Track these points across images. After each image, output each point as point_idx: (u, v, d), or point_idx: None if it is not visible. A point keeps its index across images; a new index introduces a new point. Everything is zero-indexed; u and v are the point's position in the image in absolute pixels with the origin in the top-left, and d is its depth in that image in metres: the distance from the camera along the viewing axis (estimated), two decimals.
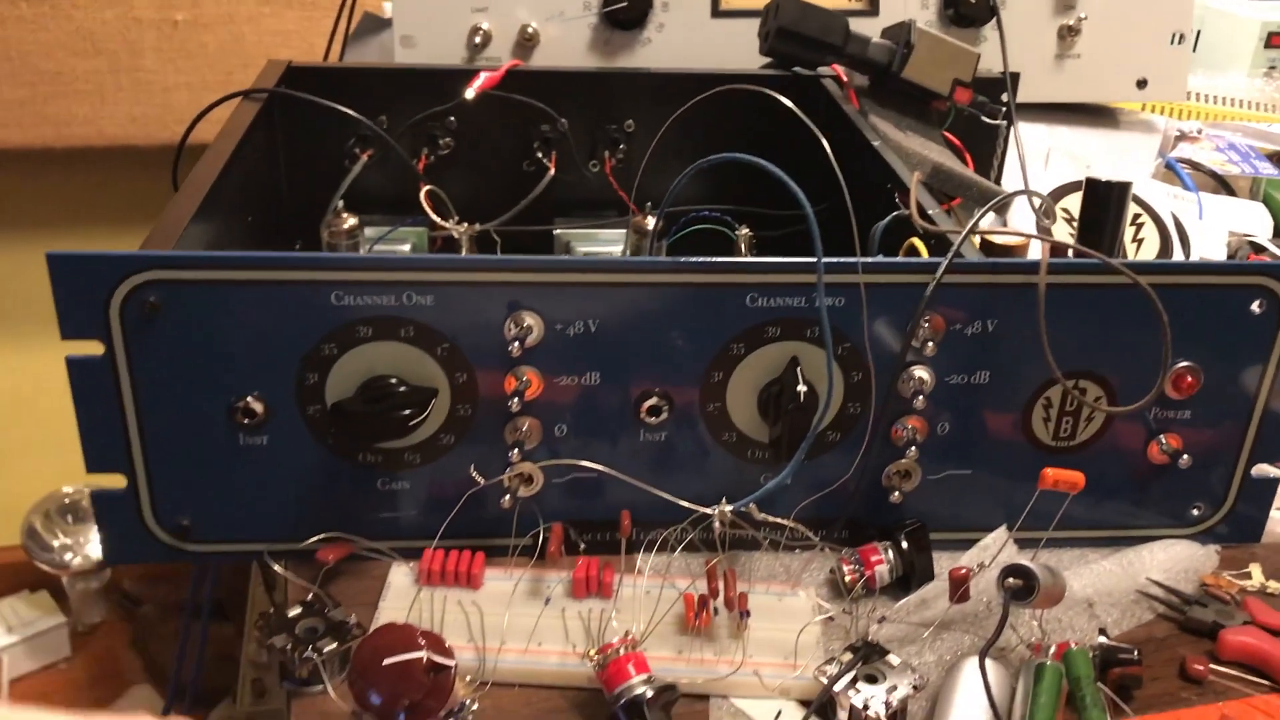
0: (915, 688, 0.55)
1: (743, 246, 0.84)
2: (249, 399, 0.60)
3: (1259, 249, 0.94)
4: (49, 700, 1.71)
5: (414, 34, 0.96)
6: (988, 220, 0.76)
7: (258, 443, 0.61)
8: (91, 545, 1.75)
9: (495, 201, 0.90)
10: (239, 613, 1.50)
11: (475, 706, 0.54)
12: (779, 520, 0.61)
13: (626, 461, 0.63)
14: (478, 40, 0.95)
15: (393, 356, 0.60)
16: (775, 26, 0.89)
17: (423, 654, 0.50)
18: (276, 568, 0.61)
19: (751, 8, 0.96)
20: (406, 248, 0.89)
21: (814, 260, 0.58)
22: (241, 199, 0.78)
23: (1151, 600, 0.64)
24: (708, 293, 0.60)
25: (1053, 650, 0.56)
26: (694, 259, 0.59)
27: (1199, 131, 1.07)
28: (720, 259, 0.59)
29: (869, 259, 0.59)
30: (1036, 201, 0.72)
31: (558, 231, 0.93)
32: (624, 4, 0.94)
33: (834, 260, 0.59)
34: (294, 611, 0.58)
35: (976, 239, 0.66)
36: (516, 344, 0.59)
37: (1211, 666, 0.60)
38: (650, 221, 0.77)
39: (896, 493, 0.65)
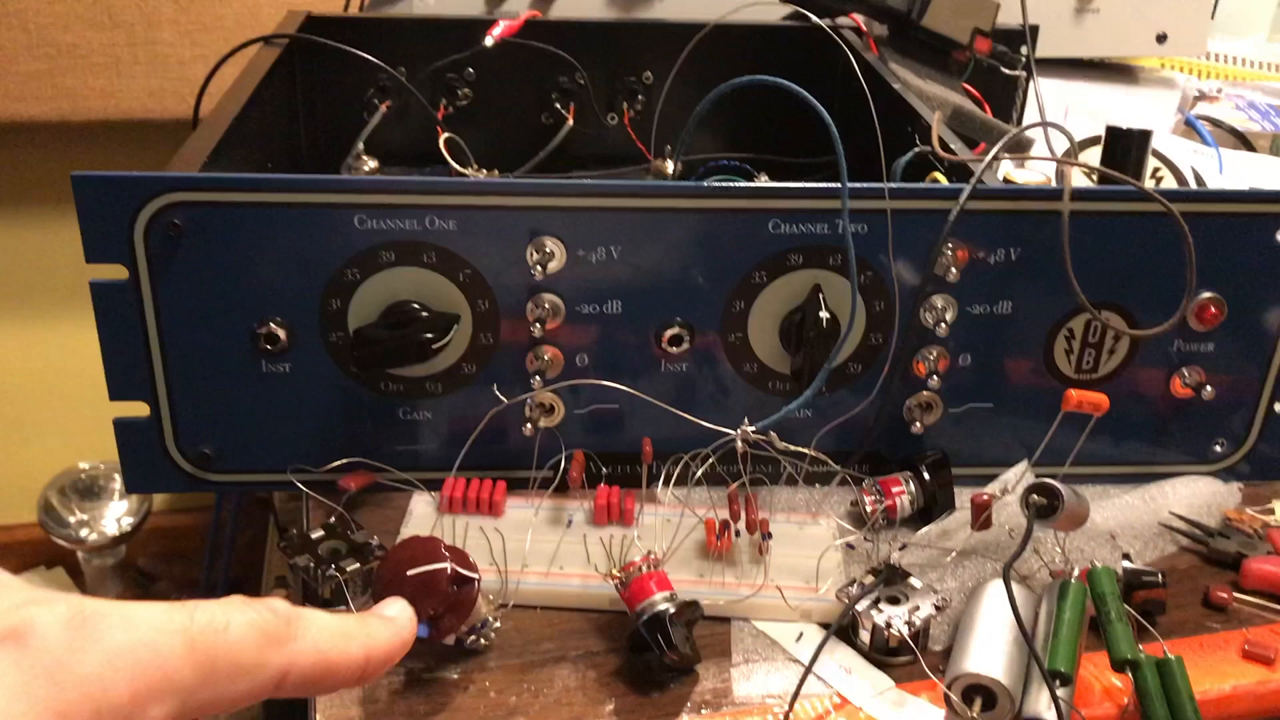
0: (938, 608, 0.55)
1: None
2: (272, 325, 0.60)
3: None
4: None
5: None
6: (1007, 165, 0.76)
7: (280, 370, 0.61)
8: (107, 521, 1.76)
9: (514, 154, 0.90)
10: (255, 590, 1.50)
11: (498, 624, 0.54)
12: (800, 449, 0.61)
13: (646, 393, 0.63)
14: None
15: (415, 282, 0.60)
16: None
17: (447, 565, 0.51)
18: (301, 486, 0.61)
19: None
20: None
21: (838, 186, 0.58)
22: (261, 147, 0.78)
23: (1174, 533, 0.64)
24: (730, 219, 0.60)
25: (1076, 573, 0.56)
26: (716, 184, 0.59)
27: (1219, 91, 1.07)
28: (743, 184, 0.59)
29: (895, 184, 0.59)
30: (1057, 136, 0.72)
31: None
32: None
33: (859, 185, 0.59)
34: (317, 534, 0.58)
35: (1000, 174, 0.66)
36: (539, 268, 0.59)
37: (1235, 595, 0.60)
38: (669, 165, 0.77)
39: (918, 424, 0.64)
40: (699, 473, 0.60)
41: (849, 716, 0.51)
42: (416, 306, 0.60)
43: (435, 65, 0.87)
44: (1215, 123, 1.02)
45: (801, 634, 0.56)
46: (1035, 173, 0.81)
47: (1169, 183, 0.92)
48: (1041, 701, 0.50)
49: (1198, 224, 0.61)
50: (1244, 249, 0.63)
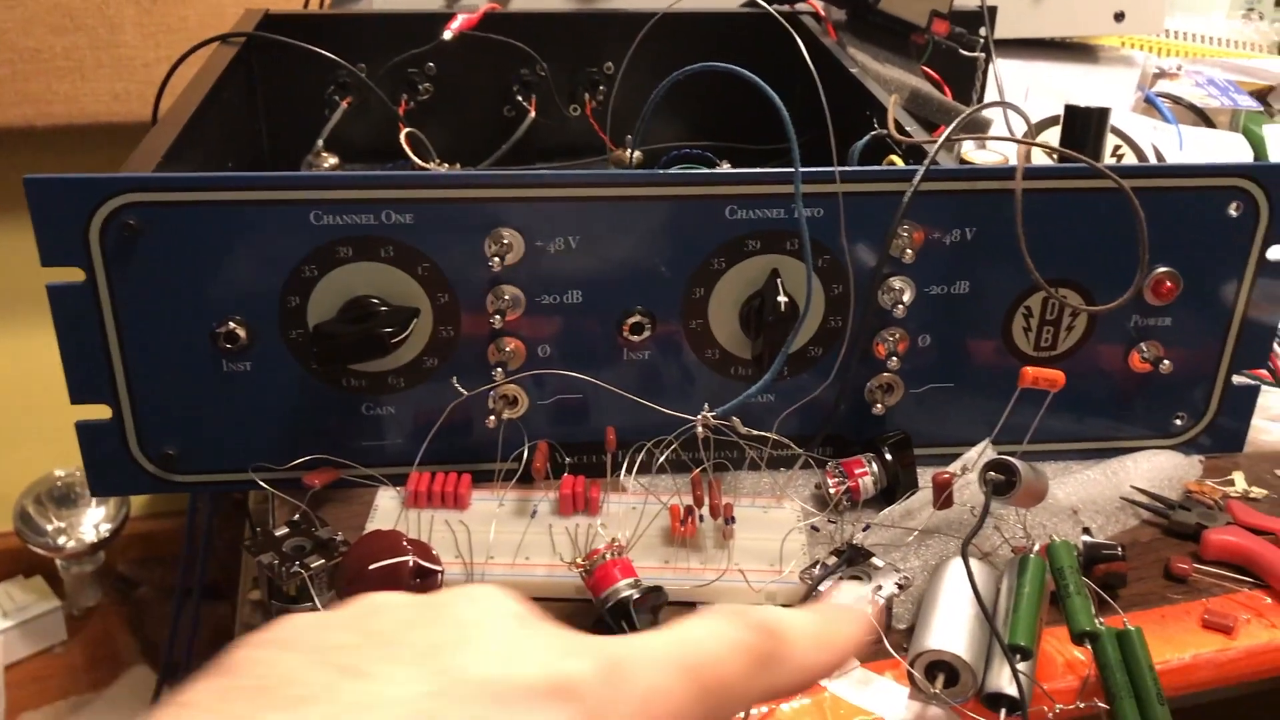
0: (900, 586, 0.55)
1: None
2: (231, 323, 0.60)
3: None
4: (44, 685, 1.71)
5: None
6: (968, 146, 0.76)
7: (241, 369, 0.61)
8: (85, 528, 1.75)
9: (477, 147, 0.90)
10: (233, 591, 1.50)
11: None
12: (763, 434, 0.62)
13: (610, 383, 0.63)
14: None
15: (374, 277, 0.60)
16: None
17: (409, 558, 0.51)
18: (263, 484, 0.61)
19: None
20: None
21: (791, 170, 0.59)
22: (221, 146, 0.78)
23: (1136, 507, 0.65)
24: (687, 205, 0.60)
25: (1036, 549, 0.57)
26: (672, 171, 0.59)
27: (1178, 68, 1.08)
28: (698, 170, 0.59)
29: (846, 168, 0.60)
30: (1013, 116, 0.72)
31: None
32: None
33: (812, 170, 0.59)
34: (281, 531, 0.58)
35: (956, 155, 0.66)
36: (497, 260, 0.59)
37: (1195, 566, 0.60)
38: (629, 154, 0.77)
39: (879, 405, 0.65)
40: (661, 459, 0.60)
41: (813, 696, 0.52)
42: (376, 301, 0.60)
43: (395, 60, 0.87)
44: (1175, 99, 1.03)
45: None
46: (995, 153, 0.82)
47: (1130, 160, 0.92)
48: (1003, 676, 0.50)
49: (1152, 199, 0.61)
50: (1198, 223, 0.63)
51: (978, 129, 0.74)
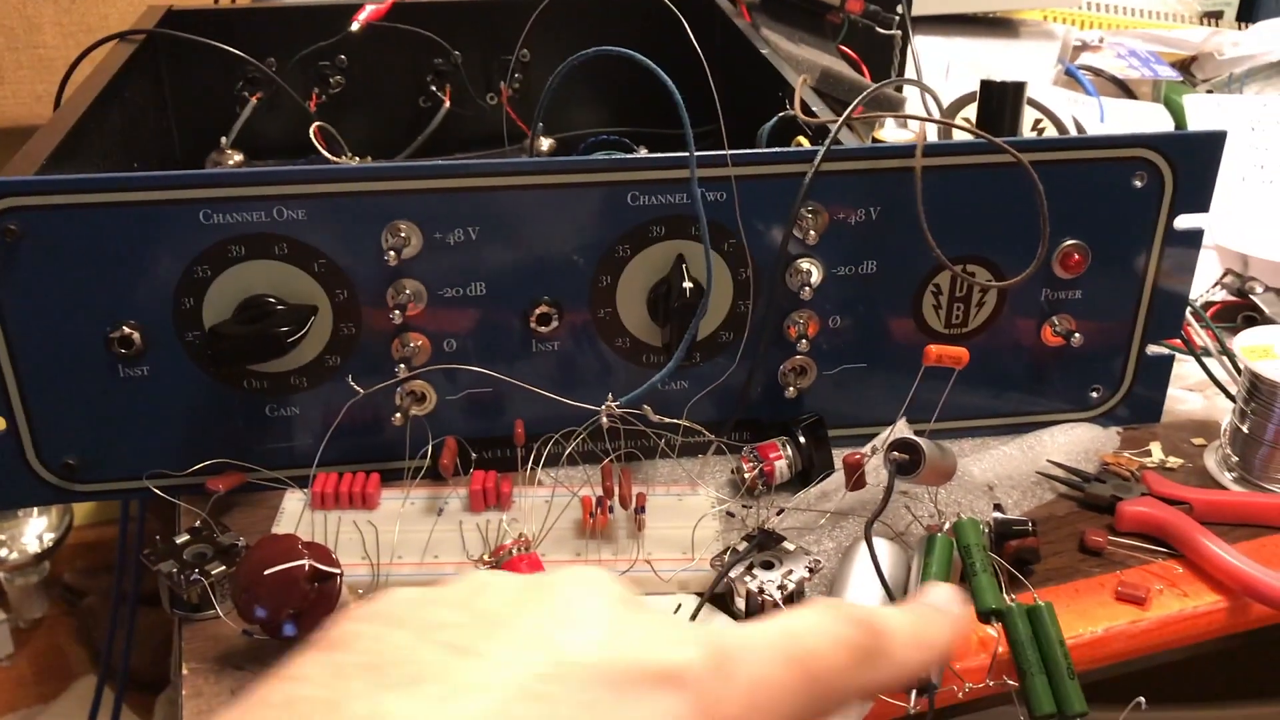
0: (810, 570, 0.55)
1: None
2: (125, 328, 0.58)
3: None
4: None
5: None
6: (889, 125, 0.76)
7: (138, 374, 0.60)
8: (27, 538, 1.72)
9: (394, 140, 0.89)
10: None
11: None
12: (674, 421, 0.61)
13: (520, 375, 0.62)
14: None
15: (268, 276, 0.59)
16: None
17: (304, 562, 0.50)
18: (158, 492, 0.60)
19: None
20: None
21: (686, 155, 0.58)
22: (125, 146, 0.76)
23: (1051, 481, 0.65)
24: (587, 193, 0.59)
25: (947, 527, 0.56)
26: (567, 158, 0.58)
27: (1100, 40, 1.08)
28: (593, 157, 0.59)
29: (739, 151, 0.59)
30: (925, 96, 0.72)
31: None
32: None
33: (707, 154, 0.59)
34: (182, 538, 0.57)
35: (869, 137, 0.65)
36: (393, 254, 0.58)
37: (1110, 538, 0.60)
38: (545, 143, 0.76)
39: (791, 388, 0.64)
40: (568, 451, 0.59)
41: None
42: (272, 300, 0.59)
43: (302, 53, 0.85)
44: (1097, 72, 1.03)
45: (680, 605, 0.56)
46: (911, 132, 0.81)
47: (1051, 134, 0.92)
48: None
49: (1055, 172, 0.61)
50: (1104, 195, 0.63)
51: (890, 108, 0.74)
